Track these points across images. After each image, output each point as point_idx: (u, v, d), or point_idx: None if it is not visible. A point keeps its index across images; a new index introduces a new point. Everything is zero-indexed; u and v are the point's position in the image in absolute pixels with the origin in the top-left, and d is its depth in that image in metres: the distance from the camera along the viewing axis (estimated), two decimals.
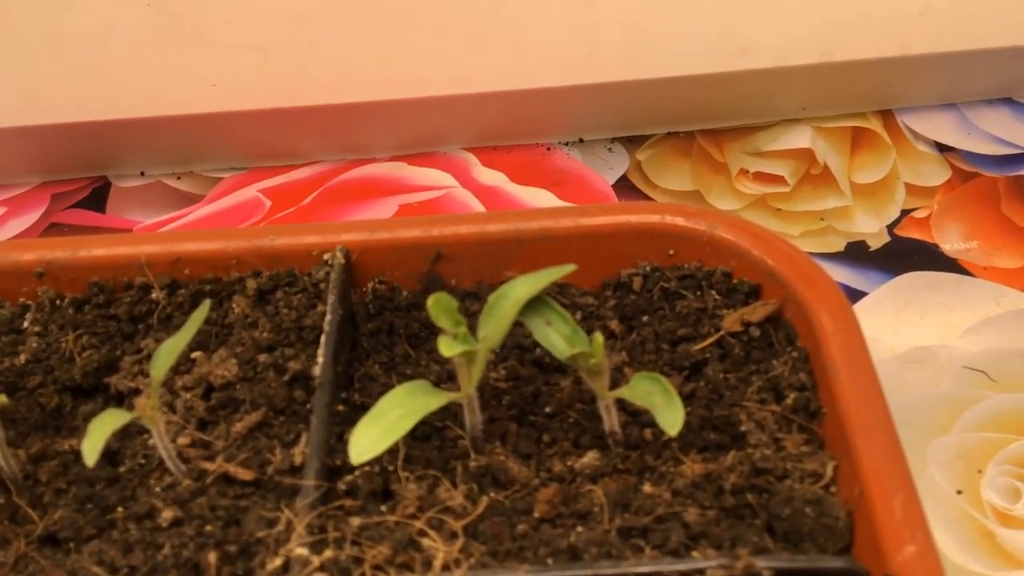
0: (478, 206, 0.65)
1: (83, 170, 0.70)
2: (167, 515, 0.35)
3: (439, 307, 0.35)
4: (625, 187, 0.66)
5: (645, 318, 0.42)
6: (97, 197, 0.68)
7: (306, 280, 0.42)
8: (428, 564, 0.33)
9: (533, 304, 0.36)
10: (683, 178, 0.66)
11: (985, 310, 0.57)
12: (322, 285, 0.42)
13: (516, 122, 0.68)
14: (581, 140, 0.69)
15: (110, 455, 0.39)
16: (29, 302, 0.43)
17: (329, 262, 0.42)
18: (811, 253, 0.60)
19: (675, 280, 0.42)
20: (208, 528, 0.35)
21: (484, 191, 0.66)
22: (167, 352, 0.35)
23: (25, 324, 0.43)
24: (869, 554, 0.33)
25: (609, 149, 0.68)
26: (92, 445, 0.33)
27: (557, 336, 0.36)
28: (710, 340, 0.40)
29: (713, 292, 0.42)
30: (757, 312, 0.40)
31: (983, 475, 0.50)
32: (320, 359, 0.38)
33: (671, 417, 0.33)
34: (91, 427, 0.34)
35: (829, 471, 0.36)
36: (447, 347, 0.34)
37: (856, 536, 0.34)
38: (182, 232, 0.46)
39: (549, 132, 0.69)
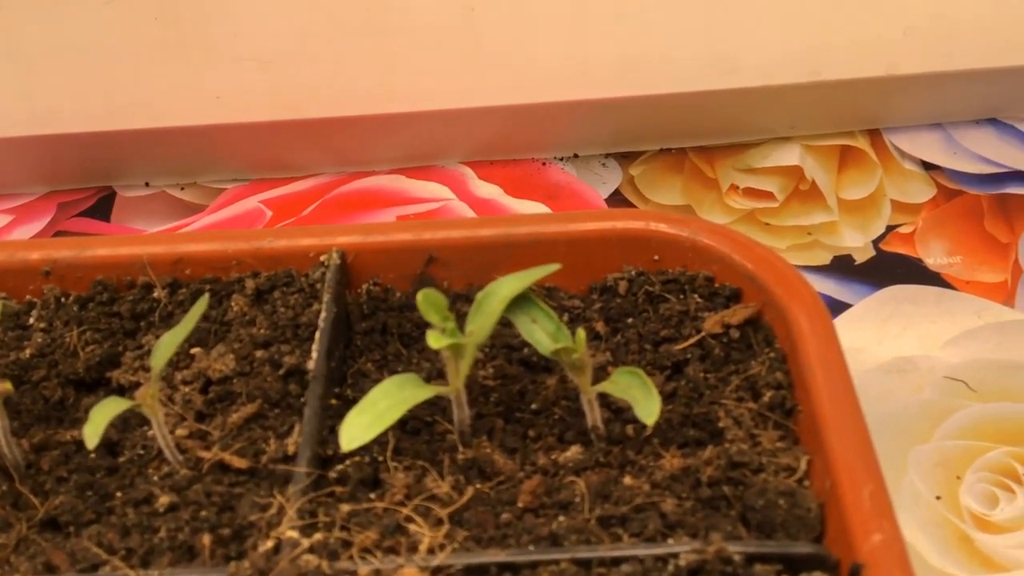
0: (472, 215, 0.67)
1: (89, 180, 0.72)
2: (164, 500, 0.36)
3: (428, 302, 0.36)
4: (618, 201, 0.67)
5: (630, 320, 0.43)
6: (102, 206, 0.70)
7: (303, 280, 0.44)
8: (414, 548, 0.34)
9: (519, 302, 0.38)
10: (675, 193, 0.67)
11: (967, 322, 0.58)
12: (318, 285, 0.43)
13: (512, 137, 0.70)
14: (576, 155, 0.71)
15: (110, 445, 0.41)
16: (35, 299, 0.45)
17: (325, 263, 0.44)
18: (798, 266, 0.62)
19: (659, 284, 0.44)
20: (203, 513, 0.36)
21: (480, 203, 0.68)
22: (166, 344, 0.37)
23: (31, 320, 0.44)
24: (839, 544, 0.34)
25: (603, 164, 0.70)
26: (93, 430, 0.35)
27: (542, 333, 0.37)
28: (691, 341, 0.41)
29: (695, 295, 0.43)
30: (737, 315, 0.42)
31: (962, 481, 0.51)
32: (314, 354, 0.40)
33: (648, 407, 0.35)
34: (92, 413, 0.35)
35: (803, 465, 0.37)
36: (435, 340, 0.36)
37: (827, 527, 0.35)
38: (183, 234, 0.48)
39: (544, 147, 0.71)
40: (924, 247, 0.63)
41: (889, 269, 0.62)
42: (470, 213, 0.67)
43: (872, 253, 0.63)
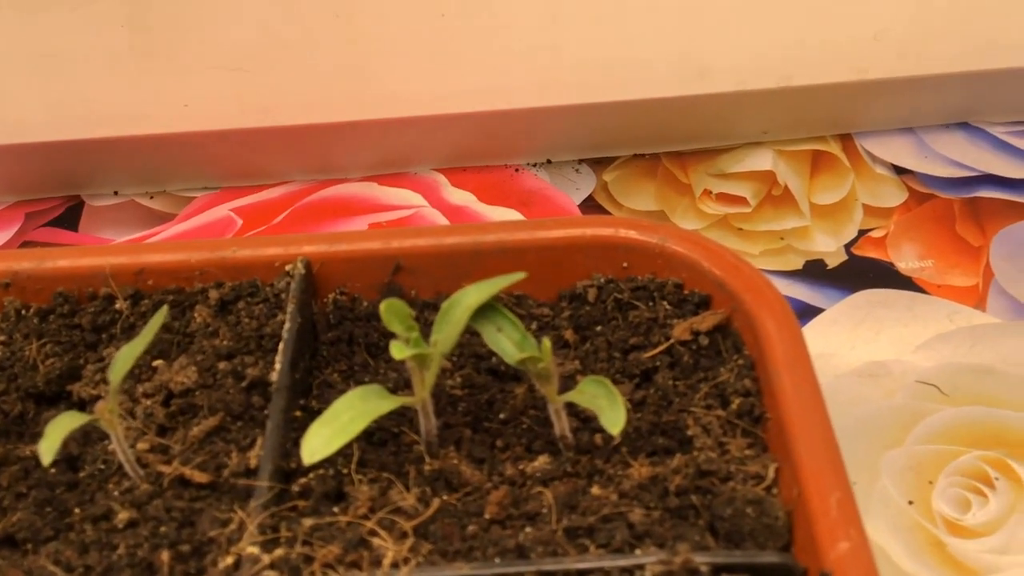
0: (445, 223, 0.66)
1: (57, 189, 0.71)
2: (123, 516, 0.36)
3: (391, 312, 0.36)
4: (591, 207, 0.67)
5: (599, 328, 0.43)
6: (71, 216, 0.69)
7: (268, 291, 0.43)
8: (377, 562, 0.34)
9: (485, 311, 0.37)
10: (648, 199, 0.67)
11: (938, 326, 0.58)
12: (283, 295, 0.43)
13: (485, 144, 0.70)
14: (549, 161, 0.70)
15: (71, 460, 0.40)
16: None
17: (290, 272, 0.43)
18: (770, 271, 0.62)
19: (628, 291, 0.43)
20: (163, 529, 0.35)
21: (453, 211, 0.67)
22: (124, 357, 0.36)
23: None
24: (806, 552, 0.34)
25: (576, 170, 0.70)
26: (49, 445, 0.34)
27: (508, 342, 0.37)
28: (660, 348, 0.41)
29: (664, 303, 0.43)
30: (706, 322, 0.41)
31: (934, 486, 0.51)
32: (278, 365, 0.39)
33: (614, 417, 0.34)
34: (48, 429, 0.35)
35: (771, 473, 0.37)
36: (398, 350, 0.35)
37: (795, 535, 0.35)
38: (147, 244, 0.47)
39: (517, 154, 0.70)
40: (896, 251, 0.63)
41: (861, 273, 0.62)
42: (443, 220, 0.67)
43: (844, 258, 0.63)
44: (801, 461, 0.35)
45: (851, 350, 0.57)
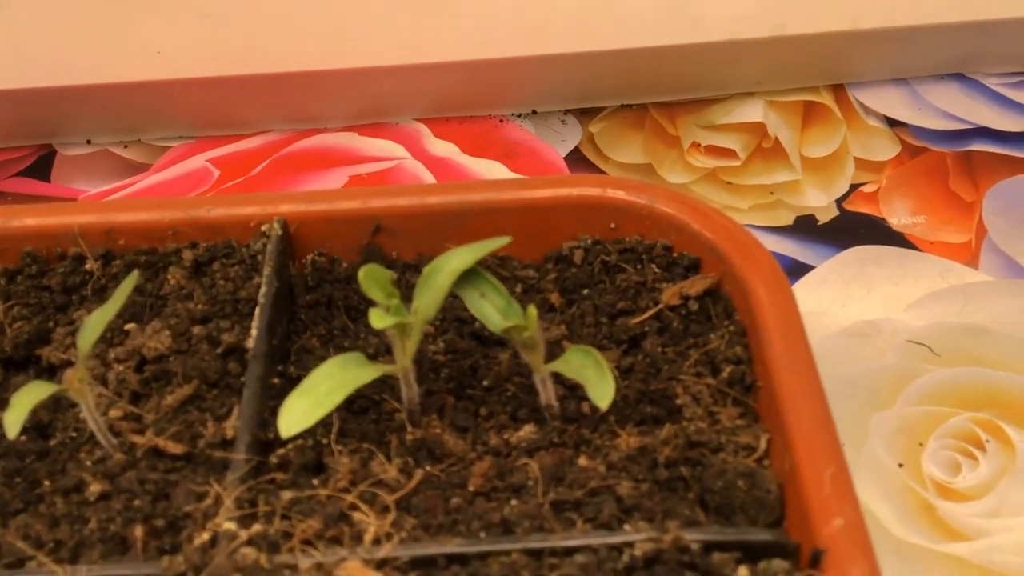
0: (429, 177, 0.65)
1: (28, 138, 0.69)
2: (94, 489, 0.35)
3: (371, 278, 0.35)
4: (577, 159, 0.65)
5: (585, 291, 0.42)
6: (42, 165, 0.67)
7: (243, 252, 0.42)
8: (358, 538, 0.33)
9: (468, 276, 0.36)
10: (635, 151, 0.66)
11: (930, 284, 0.57)
12: (259, 257, 0.41)
13: (469, 93, 0.68)
14: (534, 112, 0.69)
15: (41, 427, 0.39)
16: None
17: (267, 233, 0.42)
18: (760, 227, 0.61)
19: (616, 253, 0.42)
20: (136, 503, 0.34)
21: (435, 162, 0.66)
22: (94, 323, 0.35)
23: None
24: (799, 526, 0.33)
25: (562, 121, 0.68)
26: (15, 417, 0.33)
27: (491, 308, 0.36)
28: (648, 314, 0.40)
29: (653, 266, 0.42)
30: (696, 286, 0.40)
31: (924, 448, 0.50)
32: (254, 331, 0.38)
33: (602, 390, 0.33)
34: (14, 399, 0.33)
35: (763, 444, 0.36)
36: (378, 319, 0.34)
37: (787, 509, 0.34)
38: (117, 202, 0.46)
39: (502, 104, 0.69)
40: (888, 206, 0.62)
41: (852, 229, 0.60)
42: (425, 173, 0.65)
43: (835, 213, 0.61)
44: (794, 433, 0.34)
45: (841, 308, 0.56)
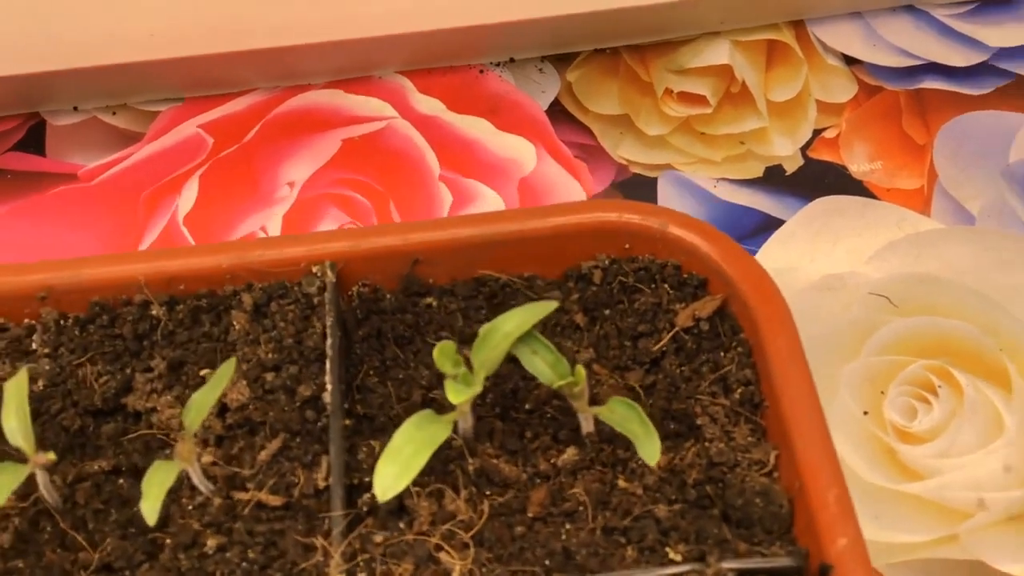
0: (418, 137, 0.68)
1: (12, 106, 0.70)
2: (212, 543, 0.40)
3: (444, 355, 0.40)
4: (558, 112, 0.69)
5: (607, 311, 0.47)
6: (35, 138, 0.69)
7: (297, 291, 0.46)
8: None
9: (521, 336, 0.41)
10: (612, 101, 0.69)
11: (888, 234, 0.63)
12: (316, 299, 0.46)
13: (449, 43, 0.70)
14: (512, 60, 0.71)
15: (136, 471, 0.43)
16: (34, 322, 0.46)
17: (319, 274, 0.46)
18: (734, 181, 0.66)
19: (632, 274, 0.47)
20: (251, 554, 0.40)
21: (423, 121, 0.69)
22: (199, 404, 0.39)
23: (34, 345, 0.46)
24: (806, 537, 0.40)
25: (540, 70, 0.71)
26: (151, 506, 0.38)
27: (543, 364, 0.41)
28: (667, 338, 0.45)
29: (666, 285, 0.47)
30: (706, 307, 0.46)
31: (885, 396, 0.58)
32: (329, 386, 0.42)
33: (651, 449, 0.39)
34: (145, 485, 0.38)
35: (772, 459, 0.43)
36: (455, 395, 0.39)
37: (795, 520, 0.41)
38: (176, 250, 0.49)
39: (480, 52, 0.71)
40: (848, 152, 0.67)
41: (818, 178, 0.66)
42: (414, 133, 0.68)
43: (801, 162, 0.67)
44: (799, 456, 0.41)
45: (810, 263, 0.62)
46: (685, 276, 0.47)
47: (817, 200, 0.65)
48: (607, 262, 0.48)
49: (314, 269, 0.46)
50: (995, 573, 0.53)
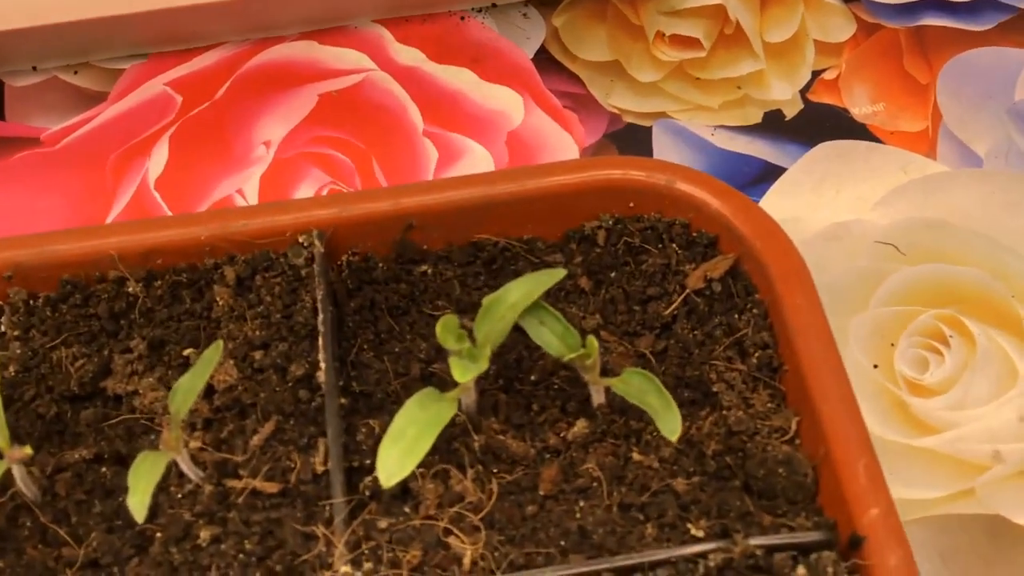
0: (399, 90, 0.65)
1: None
2: (206, 535, 0.37)
3: (446, 330, 0.37)
4: (545, 60, 0.66)
5: (612, 274, 0.45)
6: None
7: (283, 263, 0.43)
8: (458, 562, 0.37)
9: (527, 306, 0.38)
10: (601, 47, 0.66)
11: (893, 180, 0.61)
12: (303, 271, 0.43)
13: None
14: (494, 5, 0.68)
15: (120, 458, 0.41)
16: (2, 304, 0.43)
17: (305, 244, 0.43)
18: (732, 128, 0.63)
19: (638, 234, 0.45)
20: (248, 545, 0.37)
21: (403, 72, 0.65)
22: (185, 390, 0.37)
23: (2, 328, 0.43)
24: (833, 508, 0.38)
25: (524, 15, 0.68)
26: (139, 500, 0.35)
27: (551, 336, 0.39)
28: (677, 302, 0.43)
29: (674, 245, 0.44)
30: (718, 267, 0.43)
31: (896, 348, 0.56)
32: (322, 364, 0.40)
33: (671, 423, 0.37)
34: (132, 480, 0.35)
35: (793, 426, 0.40)
36: (461, 373, 0.36)
37: (821, 487, 0.39)
38: (151, 221, 0.46)
39: None
40: (848, 94, 0.64)
41: (818, 123, 0.63)
42: (394, 85, 0.65)
43: (800, 106, 0.64)
44: (825, 424, 0.39)
45: (815, 212, 0.60)
46: (694, 235, 0.45)
47: (819, 145, 0.62)
48: (611, 222, 0.45)
49: (300, 238, 0.43)
50: (1013, 527, 0.51)
